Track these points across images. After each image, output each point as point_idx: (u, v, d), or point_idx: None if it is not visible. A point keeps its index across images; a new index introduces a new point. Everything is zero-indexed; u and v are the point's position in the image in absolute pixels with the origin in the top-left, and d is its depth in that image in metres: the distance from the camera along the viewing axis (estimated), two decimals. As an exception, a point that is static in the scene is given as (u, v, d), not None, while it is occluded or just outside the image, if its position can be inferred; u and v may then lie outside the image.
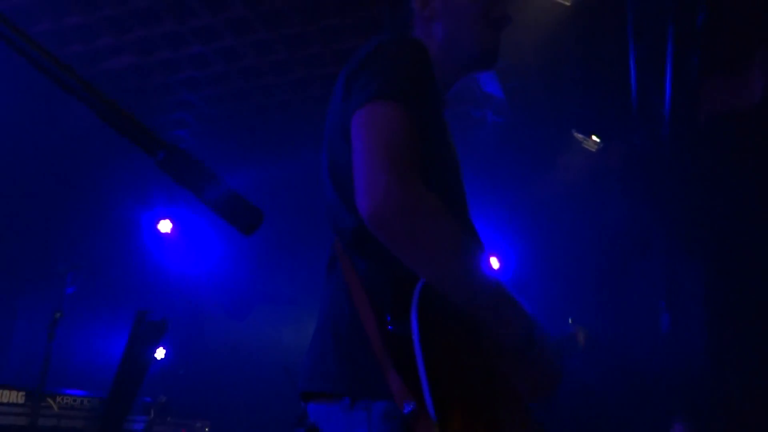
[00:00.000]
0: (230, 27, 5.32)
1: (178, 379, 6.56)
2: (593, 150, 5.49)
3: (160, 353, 6.43)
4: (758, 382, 4.70)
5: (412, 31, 1.60)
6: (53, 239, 6.66)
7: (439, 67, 1.52)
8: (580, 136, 5.46)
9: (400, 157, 1.17)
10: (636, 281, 5.70)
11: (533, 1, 3.93)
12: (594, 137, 5.43)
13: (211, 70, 5.91)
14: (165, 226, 7.43)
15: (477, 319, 1.21)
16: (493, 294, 1.22)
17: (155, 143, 0.94)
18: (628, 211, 5.89)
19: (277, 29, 5.30)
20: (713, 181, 5.31)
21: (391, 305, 1.15)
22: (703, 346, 5.09)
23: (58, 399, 4.40)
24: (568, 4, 3.77)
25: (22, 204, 6.28)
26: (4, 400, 3.94)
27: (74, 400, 4.50)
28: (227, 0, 4.99)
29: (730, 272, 5.09)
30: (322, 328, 1.35)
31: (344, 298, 1.30)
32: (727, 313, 4.98)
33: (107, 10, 5.15)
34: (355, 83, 1.31)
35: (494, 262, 6.14)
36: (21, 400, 4.03)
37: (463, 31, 1.56)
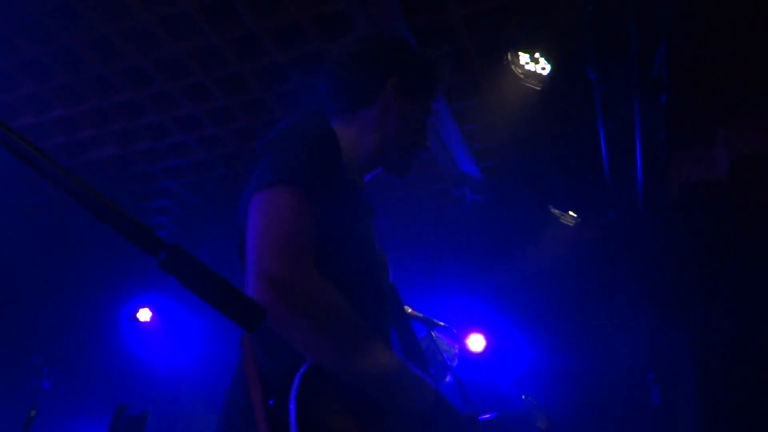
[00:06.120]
0: (211, 116, 5.44)
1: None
2: (571, 225, 5.60)
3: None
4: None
5: (370, 106, 1.62)
6: (27, 331, 6.48)
7: (361, 152, 1.58)
8: (557, 211, 5.59)
9: (289, 245, 1.18)
10: (623, 353, 5.69)
11: (506, 86, 4.12)
12: (571, 212, 5.57)
13: (193, 158, 6.00)
14: (144, 314, 7.29)
15: (373, 400, 1.21)
16: (385, 375, 1.22)
17: (156, 243, 0.95)
18: (609, 283, 5.94)
19: (257, 117, 5.43)
20: (689, 248, 5.42)
21: (276, 388, 1.15)
22: (696, 418, 5.04)
23: (31, 504, 4.17)
24: (538, 88, 3.96)
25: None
26: None
27: (48, 505, 4.27)
28: (208, 90, 5.13)
29: (716, 338, 5.11)
30: (222, 410, 1.36)
31: (241, 381, 1.30)
32: (719, 381, 4.96)
33: (90, 102, 5.26)
34: (257, 168, 1.35)
35: (480, 340, 6.10)
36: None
37: (400, 137, 1.63)
